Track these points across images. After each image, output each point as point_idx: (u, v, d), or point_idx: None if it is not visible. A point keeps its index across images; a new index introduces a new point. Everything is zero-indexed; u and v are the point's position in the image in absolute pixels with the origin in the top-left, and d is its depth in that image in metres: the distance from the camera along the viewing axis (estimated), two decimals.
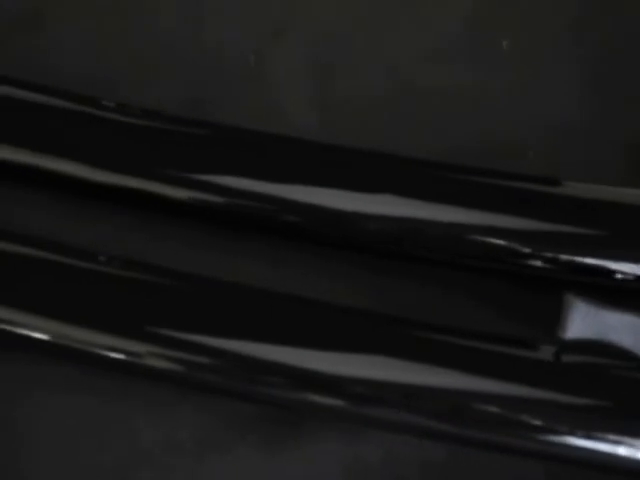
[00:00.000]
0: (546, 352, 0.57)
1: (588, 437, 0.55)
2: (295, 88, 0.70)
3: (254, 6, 0.72)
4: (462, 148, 0.67)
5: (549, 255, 0.60)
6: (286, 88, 0.70)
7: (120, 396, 0.62)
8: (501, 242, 0.60)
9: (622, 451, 0.55)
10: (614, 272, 0.59)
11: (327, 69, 0.70)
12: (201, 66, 0.71)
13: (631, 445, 0.54)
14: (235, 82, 0.70)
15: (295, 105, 0.69)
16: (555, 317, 0.56)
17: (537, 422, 0.55)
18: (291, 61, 0.70)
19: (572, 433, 0.55)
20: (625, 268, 0.59)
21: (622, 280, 0.60)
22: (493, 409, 0.56)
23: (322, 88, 0.70)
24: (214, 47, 0.71)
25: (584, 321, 0.56)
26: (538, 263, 0.60)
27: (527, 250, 0.60)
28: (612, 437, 0.55)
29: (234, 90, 0.70)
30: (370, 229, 0.62)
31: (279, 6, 0.72)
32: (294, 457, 0.61)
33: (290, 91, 0.70)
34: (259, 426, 0.61)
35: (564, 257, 0.60)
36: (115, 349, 0.59)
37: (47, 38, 0.71)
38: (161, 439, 0.61)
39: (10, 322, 0.60)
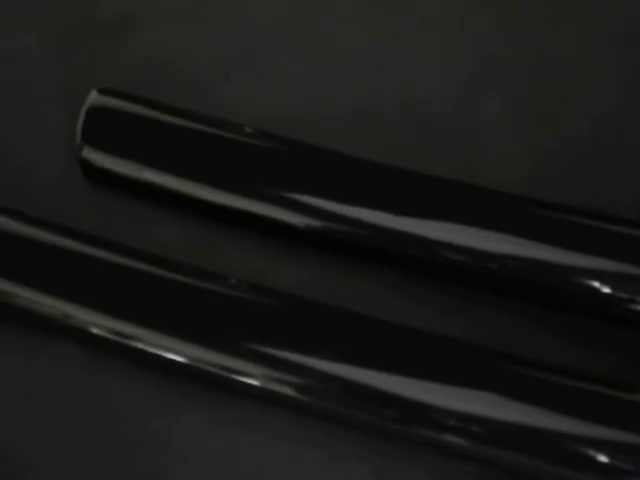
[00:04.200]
0: None
1: None
2: (498, 136, 0.68)
3: (454, 50, 0.71)
4: None
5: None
6: (488, 136, 0.69)
7: (303, 442, 0.61)
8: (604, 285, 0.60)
9: None
10: None
11: (532, 116, 0.69)
12: (397, 113, 0.70)
13: None
14: (434, 129, 0.69)
15: (499, 155, 0.68)
16: None
17: None
18: (493, 107, 0.69)
19: None
20: None
21: None
22: None
23: (529, 136, 0.68)
24: (411, 94, 0.70)
25: None
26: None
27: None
28: None
29: (434, 137, 0.69)
30: (486, 267, 0.62)
31: (479, 51, 0.71)
32: None
33: (494, 139, 0.68)
34: None
35: None
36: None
37: None
38: None
39: (144, 341, 0.60)
